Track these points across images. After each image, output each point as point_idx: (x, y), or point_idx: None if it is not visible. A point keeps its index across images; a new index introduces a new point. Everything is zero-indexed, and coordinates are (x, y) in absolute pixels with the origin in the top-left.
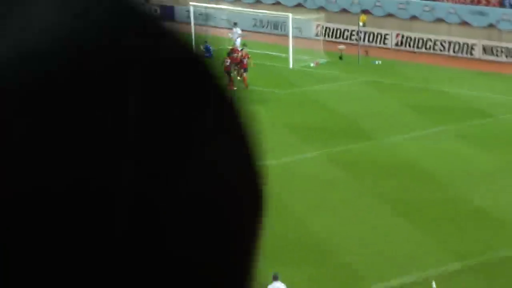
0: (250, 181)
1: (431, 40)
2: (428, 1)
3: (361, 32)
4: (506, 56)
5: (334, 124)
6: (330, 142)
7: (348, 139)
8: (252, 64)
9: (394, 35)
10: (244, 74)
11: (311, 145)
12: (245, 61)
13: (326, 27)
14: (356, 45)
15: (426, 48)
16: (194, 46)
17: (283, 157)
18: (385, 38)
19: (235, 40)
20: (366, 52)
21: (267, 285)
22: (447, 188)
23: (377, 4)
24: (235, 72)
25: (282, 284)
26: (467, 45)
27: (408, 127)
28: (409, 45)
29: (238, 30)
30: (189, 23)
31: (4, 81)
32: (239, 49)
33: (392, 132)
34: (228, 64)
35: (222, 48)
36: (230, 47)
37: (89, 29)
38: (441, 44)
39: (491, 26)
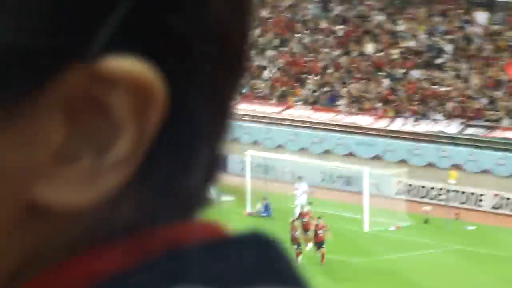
0: None
1: None
2: None
3: (451, 191)
4: None
5: None
6: None
7: None
8: (329, 237)
9: (491, 195)
10: (322, 249)
11: None
12: (320, 233)
13: (409, 184)
14: (445, 206)
15: None
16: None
17: None
18: (480, 199)
19: (300, 197)
20: (457, 215)
21: None
22: None
23: (471, 158)
24: (303, 240)
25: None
26: None
27: None
28: (510, 208)
29: (303, 186)
30: (244, 175)
31: None
32: (307, 210)
33: None
34: (296, 234)
35: (285, 208)
36: (299, 211)
37: None
38: None
39: None
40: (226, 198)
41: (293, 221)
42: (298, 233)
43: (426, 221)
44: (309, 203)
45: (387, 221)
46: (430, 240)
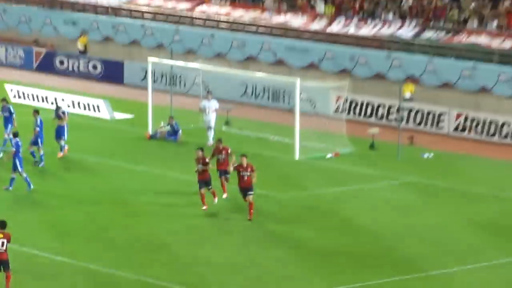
0: None
1: (508, 125)
2: (504, 66)
3: (404, 110)
4: None
5: (358, 249)
6: (351, 275)
7: (379, 271)
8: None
9: (453, 115)
10: (250, 198)
11: (321, 278)
12: (245, 175)
13: (352, 101)
14: (396, 128)
15: (500, 136)
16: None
17: None
18: (439, 119)
19: (209, 117)
20: (411, 139)
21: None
22: None
23: (429, 68)
24: (223, 179)
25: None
26: None
27: (471, 255)
28: (476, 131)
29: (213, 102)
30: (146, 87)
31: None
32: (222, 143)
33: (447, 263)
34: (200, 168)
35: (196, 131)
36: (215, 144)
37: None
38: None
39: None
40: (122, 116)
41: (199, 152)
42: (199, 168)
43: (372, 147)
44: (226, 123)
45: (323, 147)
46: (376, 170)
